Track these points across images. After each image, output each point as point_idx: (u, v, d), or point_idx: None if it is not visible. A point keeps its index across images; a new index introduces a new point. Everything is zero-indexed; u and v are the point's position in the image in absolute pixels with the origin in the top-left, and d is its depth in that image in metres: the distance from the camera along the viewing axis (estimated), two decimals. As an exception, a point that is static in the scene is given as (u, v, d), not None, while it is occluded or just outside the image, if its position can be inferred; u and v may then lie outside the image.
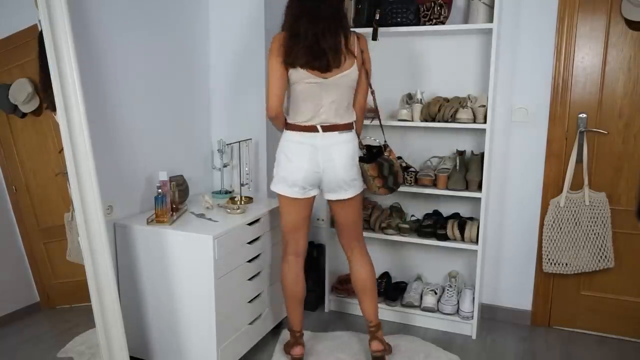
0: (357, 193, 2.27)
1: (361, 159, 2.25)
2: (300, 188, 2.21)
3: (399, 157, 2.83)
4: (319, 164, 2.18)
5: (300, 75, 2.10)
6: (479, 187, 2.67)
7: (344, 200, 2.26)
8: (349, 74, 2.13)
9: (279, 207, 2.32)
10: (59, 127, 1.84)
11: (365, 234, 2.86)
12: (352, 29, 2.18)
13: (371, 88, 2.27)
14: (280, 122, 2.22)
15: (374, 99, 2.33)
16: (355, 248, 2.39)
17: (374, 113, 2.45)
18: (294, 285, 2.36)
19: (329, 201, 2.32)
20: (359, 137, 2.29)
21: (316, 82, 2.11)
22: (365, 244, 2.43)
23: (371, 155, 2.29)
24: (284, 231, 2.34)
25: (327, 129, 2.17)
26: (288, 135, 2.21)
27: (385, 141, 2.35)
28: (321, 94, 2.14)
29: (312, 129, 2.16)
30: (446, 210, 2.96)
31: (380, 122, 2.42)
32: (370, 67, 2.25)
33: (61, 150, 1.90)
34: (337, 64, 2.09)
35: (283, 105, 2.20)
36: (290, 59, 2.07)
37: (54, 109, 1.85)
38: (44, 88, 1.86)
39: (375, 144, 2.37)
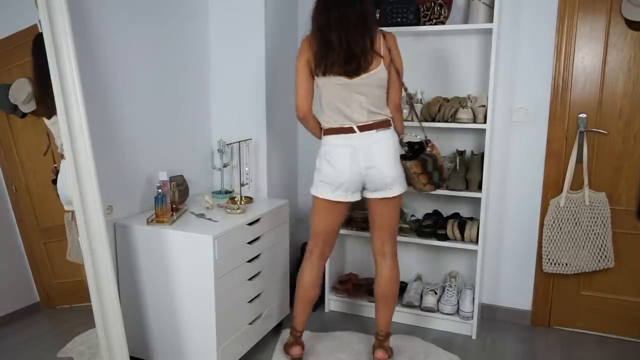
0: (403, 191, 2.25)
1: (403, 157, 2.23)
2: (343, 191, 2.22)
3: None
4: (360, 165, 2.18)
5: (327, 80, 2.15)
6: (479, 187, 2.67)
7: (388, 198, 2.24)
8: (376, 73, 2.13)
9: (313, 209, 2.33)
10: (50, 132, 1.87)
11: (364, 234, 2.87)
12: (379, 28, 2.19)
13: (404, 85, 2.24)
14: (310, 124, 2.27)
15: (408, 96, 2.31)
16: (387, 254, 2.35)
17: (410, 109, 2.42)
18: (309, 288, 2.38)
19: (369, 201, 2.29)
20: (399, 135, 2.28)
21: (342, 83, 2.14)
22: (396, 252, 2.39)
23: (413, 152, 2.27)
24: (314, 233, 2.36)
25: (363, 128, 2.17)
26: (327, 140, 2.23)
27: (425, 136, 2.32)
28: (350, 95, 2.16)
29: (348, 130, 2.17)
30: (446, 210, 2.96)
31: (418, 118, 2.41)
32: (402, 65, 2.22)
33: (46, 153, 1.91)
34: (366, 66, 2.11)
35: (314, 110, 2.24)
36: (323, 68, 2.12)
37: (49, 116, 1.85)
38: (39, 97, 1.87)
39: (416, 140, 2.34)
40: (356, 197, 2.26)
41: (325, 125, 2.23)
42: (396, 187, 2.22)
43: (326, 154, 2.21)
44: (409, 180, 2.27)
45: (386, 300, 2.36)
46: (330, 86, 2.16)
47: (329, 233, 2.34)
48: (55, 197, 1.97)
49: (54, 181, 1.94)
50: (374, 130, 2.18)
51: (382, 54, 2.13)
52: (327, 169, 2.20)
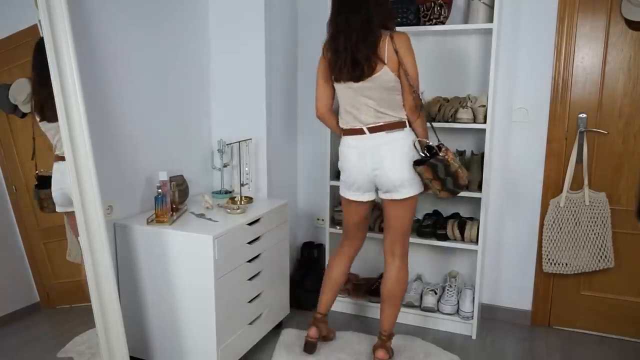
0: (413, 194, 2.23)
1: (416, 162, 2.20)
2: (354, 190, 2.32)
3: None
4: (367, 167, 2.22)
5: (340, 84, 2.23)
6: (479, 187, 2.67)
7: (397, 200, 2.24)
8: (379, 76, 2.12)
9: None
10: (37, 135, 1.89)
11: (365, 234, 2.87)
12: (393, 29, 2.18)
13: (413, 88, 2.15)
14: (327, 123, 2.40)
15: (419, 99, 2.22)
16: (397, 255, 2.35)
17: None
18: (336, 276, 2.50)
19: (382, 201, 2.32)
20: (417, 138, 2.23)
21: (349, 87, 2.19)
22: (407, 254, 2.38)
23: (428, 157, 2.23)
24: (343, 228, 2.51)
25: (373, 130, 2.20)
26: (342, 140, 2.32)
27: (438, 140, 2.25)
28: (357, 98, 2.20)
29: (359, 131, 2.23)
30: (446, 210, 2.97)
31: (430, 121, 2.36)
32: (412, 66, 2.14)
33: (33, 157, 1.91)
34: (370, 72, 2.12)
35: (333, 110, 2.35)
36: (335, 74, 2.21)
37: (55, 119, 1.85)
38: (38, 99, 1.87)
39: (429, 144, 2.27)
40: (369, 197, 2.33)
41: (341, 126, 2.31)
42: (404, 190, 2.21)
43: (341, 154, 2.33)
44: (426, 185, 2.26)
45: (391, 301, 2.37)
46: (342, 90, 2.23)
47: (351, 229, 2.46)
48: (36, 202, 1.95)
49: (37, 186, 1.93)
50: (384, 132, 2.19)
51: (385, 58, 2.11)
52: (342, 168, 2.34)
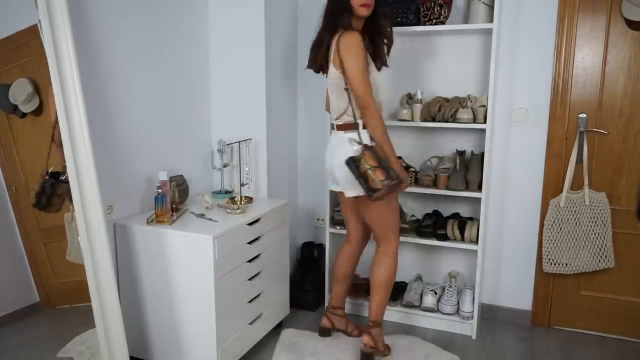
0: (356, 194, 2.25)
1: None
2: (328, 180, 2.47)
3: (399, 157, 2.77)
4: (328, 162, 2.37)
5: None
6: (479, 187, 2.67)
7: (353, 196, 2.29)
8: (330, 74, 2.26)
9: None
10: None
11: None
12: (347, 28, 2.19)
13: (347, 88, 2.18)
14: None
15: (349, 101, 2.19)
16: (380, 247, 2.43)
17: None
18: (339, 266, 2.63)
19: None
20: (373, 137, 2.19)
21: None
22: (391, 246, 2.41)
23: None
24: None
25: (338, 127, 2.32)
26: None
27: (360, 141, 2.18)
28: (329, 94, 2.35)
29: (333, 127, 2.38)
30: (446, 210, 2.96)
31: (355, 119, 2.25)
32: (350, 66, 2.12)
33: (52, 139, 1.90)
34: (326, 69, 2.27)
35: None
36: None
37: None
38: None
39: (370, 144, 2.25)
40: (334, 188, 2.42)
41: None
42: (349, 190, 2.27)
43: None
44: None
45: (375, 289, 2.45)
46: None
47: (346, 219, 2.58)
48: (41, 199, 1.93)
49: (56, 180, 1.92)
50: (342, 131, 2.29)
51: (330, 56, 2.21)
52: None
